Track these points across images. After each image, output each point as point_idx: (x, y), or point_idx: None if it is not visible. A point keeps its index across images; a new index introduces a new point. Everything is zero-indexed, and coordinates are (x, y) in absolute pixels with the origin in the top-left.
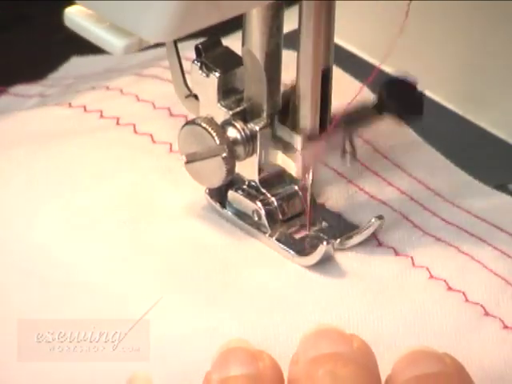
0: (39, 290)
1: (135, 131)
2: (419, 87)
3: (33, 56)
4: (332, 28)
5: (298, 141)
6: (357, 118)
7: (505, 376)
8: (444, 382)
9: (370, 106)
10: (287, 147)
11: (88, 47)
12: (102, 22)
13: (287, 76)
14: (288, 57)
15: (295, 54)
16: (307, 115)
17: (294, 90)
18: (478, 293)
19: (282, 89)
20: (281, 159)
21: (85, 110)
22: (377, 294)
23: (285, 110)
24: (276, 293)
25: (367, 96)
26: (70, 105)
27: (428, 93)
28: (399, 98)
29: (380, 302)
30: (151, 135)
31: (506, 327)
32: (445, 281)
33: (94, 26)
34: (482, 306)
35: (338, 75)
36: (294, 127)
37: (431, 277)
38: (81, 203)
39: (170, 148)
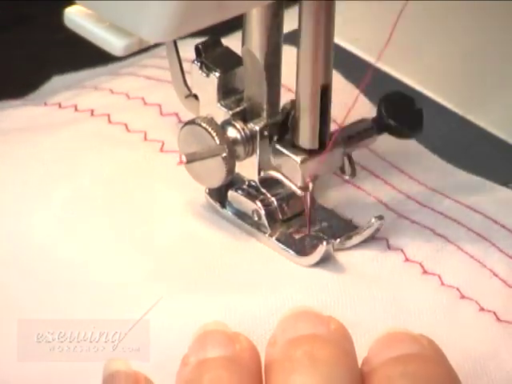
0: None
1: (109, 121)
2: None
3: (33, 56)
4: (332, 35)
5: (297, 155)
6: (356, 136)
7: (481, 358)
8: (421, 363)
9: (369, 123)
10: (287, 161)
11: (88, 47)
12: (102, 22)
13: (287, 75)
14: (288, 55)
15: (295, 50)
16: (307, 130)
17: (293, 104)
18: (453, 276)
19: (281, 105)
20: (280, 173)
21: (60, 106)
22: (353, 277)
23: (284, 125)
24: (263, 280)
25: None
26: (45, 104)
27: (428, 93)
28: (398, 114)
29: (357, 286)
30: (126, 124)
31: (482, 309)
32: (420, 264)
33: (94, 25)
34: (457, 289)
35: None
36: (294, 142)
37: (406, 260)
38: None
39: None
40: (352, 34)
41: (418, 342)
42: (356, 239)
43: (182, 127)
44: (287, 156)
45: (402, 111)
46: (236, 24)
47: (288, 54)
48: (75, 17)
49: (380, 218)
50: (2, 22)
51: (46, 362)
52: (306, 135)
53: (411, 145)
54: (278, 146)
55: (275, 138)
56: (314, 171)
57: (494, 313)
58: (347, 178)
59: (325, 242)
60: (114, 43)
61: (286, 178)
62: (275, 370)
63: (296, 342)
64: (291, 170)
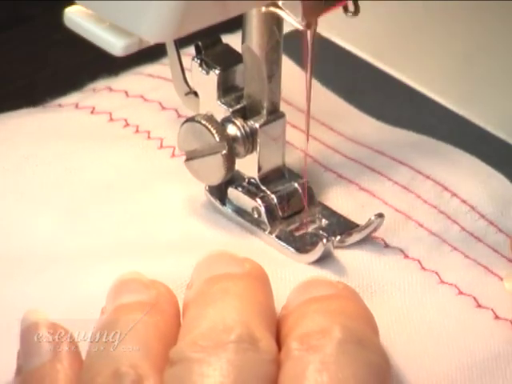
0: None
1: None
2: None
3: (33, 56)
4: None
5: None
6: None
7: (404, 307)
8: (335, 300)
9: None
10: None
11: (88, 47)
12: (102, 22)
13: (287, 76)
14: (287, 68)
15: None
16: None
17: None
18: (380, 229)
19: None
20: (283, 11)
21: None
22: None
23: None
24: None
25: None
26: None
27: (428, 93)
28: None
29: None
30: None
31: (406, 257)
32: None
33: (94, 25)
34: (382, 239)
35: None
36: None
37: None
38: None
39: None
40: (352, 34)
41: (334, 286)
42: (356, 237)
43: (182, 124)
44: None
45: None
46: (236, 24)
47: (287, 66)
48: (75, 17)
49: (380, 215)
50: (2, 21)
51: None
52: None
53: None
54: None
55: None
56: (317, 8)
57: (419, 261)
58: (350, 15)
59: (325, 240)
60: (113, 43)
61: (288, 15)
62: (190, 307)
63: (210, 280)
64: (293, 7)
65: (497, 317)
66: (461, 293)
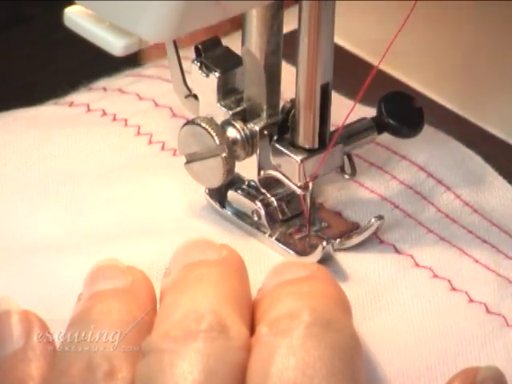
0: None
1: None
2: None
3: (33, 56)
4: (332, 36)
5: (297, 155)
6: (356, 135)
7: (380, 290)
8: (308, 282)
9: (369, 122)
10: (286, 161)
11: (88, 47)
12: (102, 22)
13: (287, 76)
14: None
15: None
16: (306, 129)
17: (294, 103)
18: (354, 211)
19: (281, 103)
20: (280, 174)
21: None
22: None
23: (284, 124)
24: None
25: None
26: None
27: (428, 93)
28: (398, 113)
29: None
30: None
31: (382, 242)
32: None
33: (94, 25)
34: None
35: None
36: (294, 141)
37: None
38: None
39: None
40: (353, 34)
41: (308, 268)
42: (356, 239)
43: (182, 127)
44: (287, 155)
45: (401, 110)
46: (236, 24)
47: (287, 69)
48: (75, 17)
49: (380, 217)
50: (1, 21)
51: None
52: (306, 134)
53: None
54: (278, 146)
55: (275, 138)
56: (314, 171)
57: (394, 246)
58: (347, 177)
59: (324, 242)
60: (113, 43)
61: (286, 177)
62: (166, 295)
63: (186, 268)
64: (291, 170)
65: (471, 300)
66: (435, 276)
